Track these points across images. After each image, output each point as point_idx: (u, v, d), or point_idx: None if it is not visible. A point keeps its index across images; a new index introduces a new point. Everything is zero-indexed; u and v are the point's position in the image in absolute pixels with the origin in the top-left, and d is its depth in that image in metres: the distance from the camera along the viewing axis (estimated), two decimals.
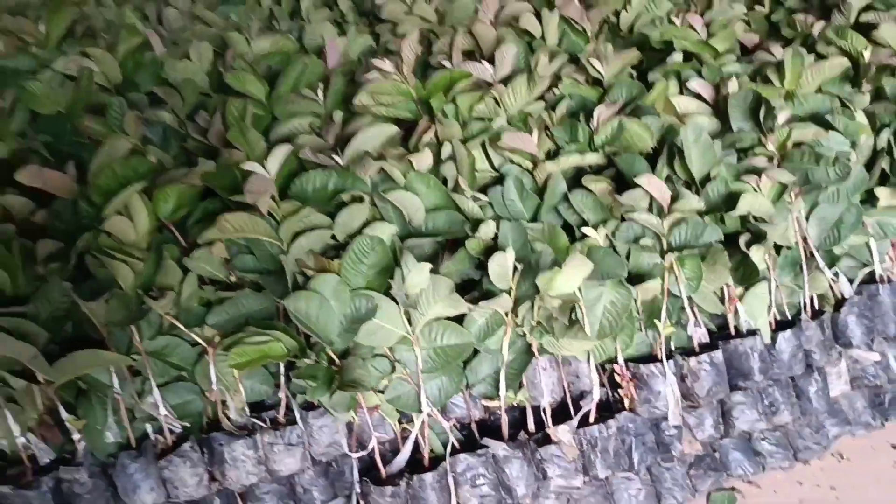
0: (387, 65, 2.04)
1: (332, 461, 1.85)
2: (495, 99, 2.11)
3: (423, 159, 1.83)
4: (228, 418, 1.79)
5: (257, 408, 1.85)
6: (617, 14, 2.73)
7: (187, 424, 1.80)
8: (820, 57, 2.26)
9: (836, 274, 2.09)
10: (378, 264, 1.72)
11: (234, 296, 1.72)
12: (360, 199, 1.79)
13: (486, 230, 1.75)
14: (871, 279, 2.13)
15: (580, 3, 2.71)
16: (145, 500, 1.72)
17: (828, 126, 2.02)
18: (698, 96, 2.13)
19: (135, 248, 1.67)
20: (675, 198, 1.81)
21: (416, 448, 1.82)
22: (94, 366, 1.64)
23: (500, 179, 1.95)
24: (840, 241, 2.03)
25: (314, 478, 1.84)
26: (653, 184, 1.77)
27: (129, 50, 2.48)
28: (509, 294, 1.73)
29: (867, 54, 2.21)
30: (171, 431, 1.78)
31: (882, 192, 2.07)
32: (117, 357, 1.63)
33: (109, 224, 1.62)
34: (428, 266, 1.68)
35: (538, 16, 2.52)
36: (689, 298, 1.92)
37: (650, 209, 1.83)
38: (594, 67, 2.20)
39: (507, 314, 1.76)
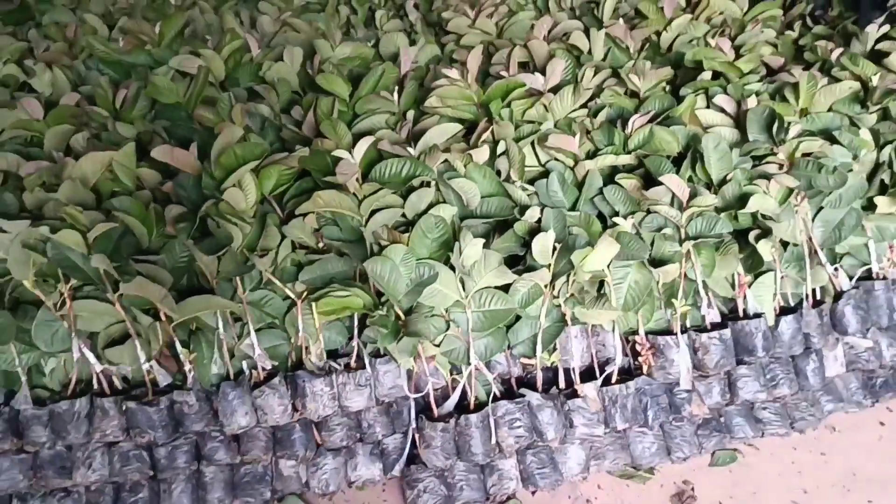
0: (454, 73, 2.40)
1: (394, 402, 2.20)
2: (545, 106, 2.46)
3: (481, 154, 2.18)
4: (310, 361, 2.17)
5: (333, 355, 2.22)
6: (658, 34, 3.06)
7: (276, 364, 2.17)
8: (834, 80, 2.55)
9: (836, 270, 2.38)
10: (440, 239, 2.08)
11: (321, 258, 2.09)
12: (428, 185, 2.14)
13: (532, 214, 2.09)
14: (869, 276, 2.42)
15: (625, 24, 3.05)
16: (240, 422, 2.10)
17: (833, 140, 2.33)
18: (722, 110, 2.45)
19: (245, 215, 2.05)
20: (693, 195, 2.13)
21: (464, 395, 2.18)
22: (207, 309, 2.02)
23: (545, 174, 2.28)
24: (840, 241, 2.33)
25: (377, 415, 2.20)
26: (674, 182, 2.09)
27: (231, 51, 2.88)
28: (548, 269, 2.07)
29: (875, 79, 2.50)
30: (263, 369, 2.16)
31: (881, 201, 2.36)
32: (225, 302, 2.01)
33: (228, 194, 2.00)
34: (481, 242, 2.03)
35: (587, 33, 2.84)
36: (704, 283, 2.24)
37: (672, 204, 2.15)
38: (632, 82, 2.53)
39: (545, 286, 2.10)
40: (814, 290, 2.38)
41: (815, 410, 2.35)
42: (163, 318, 2.03)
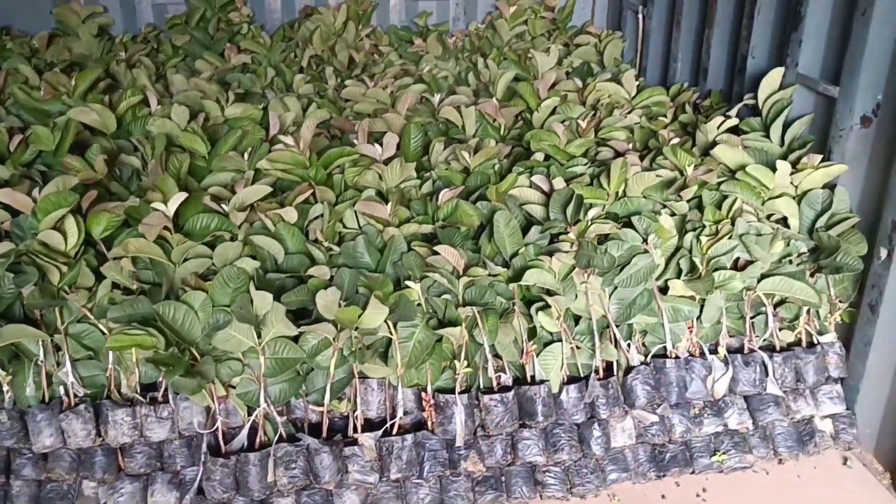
0: (289, 140, 2.64)
1: (194, 436, 2.39)
2: (379, 174, 2.68)
3: (289, 213, 2.40)
4: (119, 392, 2.38)
5: (151, 388, 2.43)
6: (531, 112, 3.28)
7: (88, 392, 2.38)
8: (658, 168, 2.73)
9: (628, 345, 2.52)
10: (240, 289, 2.29)
11: (130, 299, 2.31)
12: (234, 238, 2.37)
13: (321, 272, 2.30)
14: (665, 354, 2.55)
15: (498, 102, 3.28)
16: (46, 442, 2.31)
17: (629, 225, 2.50)
18: (540, 189, 2.63)
19: (64, 255, 2.29)
20: (468, 266, 2.31)
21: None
22: (19, 337, 2.25)
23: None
24: (631, 318, 2.48)
25: (178, 447, 2.39)
26: (449, 253, 2.28)
27: (129, 105, 3.17)
28: (334, 324, 2.27)
29: (689, 170, 2.67)
30: (76, 395, 2.37)
31: (674, 284, 2.51)
32: (35, 332, 2.24)
33: (44, 235, 2.25)
34: (269, 295, 2.24)
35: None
36: (492, 346, 2.40)
37: (453, 272, 2.33)
38: (464, 157, 2.74)
39: (333, 339, 2.29)
40: (609, 364, 2.52)
41: (596, 478, 2.47)
42: None
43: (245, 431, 2.33)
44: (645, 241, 2.47)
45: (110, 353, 2.33)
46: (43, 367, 2.35)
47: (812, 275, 2.63)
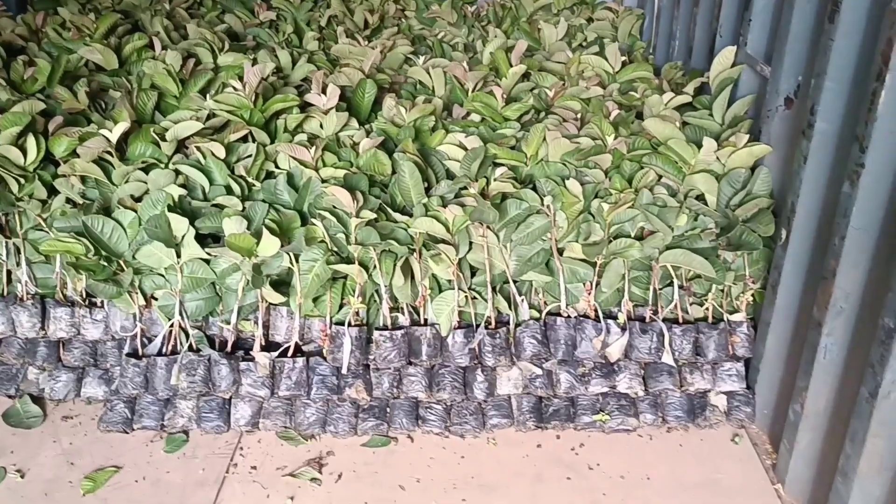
0: (237, 83, 2.88)
1: (123, 339, 2.71)
2: (321, 123, 2.89)
3: (217, 148, 2.65)
4: (64, 295, 2.72)
5: None
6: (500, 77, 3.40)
7: (40, 291, 2.73)
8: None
9: (522, 300, 2.64)
10: (164, 211, 2.57)
11: (73, 212, 2.64)
12: (166, 166, 2.65)
13: (231, 202, 2.54)
14: (559, 313, 2.66)
15: (468, 65, 3.41)
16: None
17: (532, 186, 2.61)
18: (461, 146, 2.77)
19: (22, 169, 2.63)
20: (360, 209, 2.49)
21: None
22: None
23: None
24: (524, 274, 2.60)
25: (110, 348, 2.72)
26: (341, 194, 2.47)
27: (134, 48, 3.51)
28: (240, 251, 2.51)
29: (609, 139, 2.73)
30: (29, 293, 2.73)
31: (572, 246, 2.60)
32: None
33: (3, 149, 2.59)
34: (185, 219, 2.50)
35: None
36: (389, 287, 2.58)
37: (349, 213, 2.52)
38: (400, 114, 2.90)
39: (241, 264, 2.54)
40: (503, 315, 2.65)
41: (475, 420, 2.61)
42: None
43: (160, 339, 2.62)
44: (543, 202, 2.57)
45: (58, 257, 2.66)
46: (4, 266, 2.71)
47: (726, 252, 2.65)
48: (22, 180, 2.64)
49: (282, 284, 2.59)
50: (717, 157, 2.69)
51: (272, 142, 2.84)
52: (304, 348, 2.65)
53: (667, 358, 2.64)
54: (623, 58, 3.64)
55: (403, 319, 2.63)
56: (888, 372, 1.86)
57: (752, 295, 2.70)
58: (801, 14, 2.45)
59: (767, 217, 2.59)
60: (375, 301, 2.64)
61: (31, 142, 2.65)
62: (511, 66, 3.41)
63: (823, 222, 2.29)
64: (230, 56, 3.51)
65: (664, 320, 2.67)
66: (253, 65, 3.22)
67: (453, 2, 4.62)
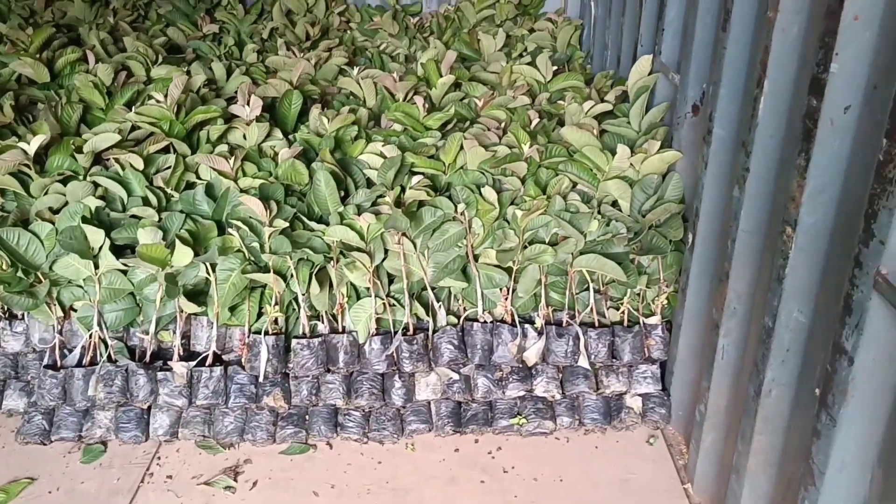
0: (159, 95, 2.91)
1: (43, 350, 2.71)
2: (244, 134, 2.92)
3: (135, 160, 2.67)
4: None
5: None
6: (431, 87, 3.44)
7: None
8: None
9: (440, 306, 2.67)
10: (80, 224, 2.58)
11: None
12: (84, 178, 2.66)
13: (146, 213, 2.56)
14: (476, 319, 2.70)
15: (398, 76, 3.46)
16: None
17: (448, 194, 2.65)
18: (381, 155, 2.81)
19: None
20: (277, 217, 2.52)
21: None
22: None
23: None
24: (440, 280, 2.63)
25: (31, 360, 2.72)
26: (253, 203, 2.49)
27: (67, 62, 3.53)
28: (153, 262, 2.53)
29: (525, 147, 2.78)
30: None
31: (487, 252, 2.64)
32: None
33: None
34: (101, 231, 2.52)
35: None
36: (306, 295, 2.61)
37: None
38: (322, 123, 2.94)
39: (156, 273, 2.56)
40: (423, 322, 2.68)
41: (393, 426, 2.64)
42: None
43: (78, 350, 2.63)
44: (458, 210, 2.61)
45: None
46: None
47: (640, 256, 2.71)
48: None
49: (200, 294, 2.61)
50: (631, 164, 2.75)
51: (194, 153, 2.86)
52: (225, 357, 2.67)
53: (583, 361, 2.68)
54: (555, 67, 3.70)
55: (323, 327, 2.66)
56: (769, 370, 1.91)
57: (667, 298, 2.75)
58: (703, 24, 2.51)
59: (677, 221, 2.64)
60: (294, 310, 2.67)
61: None
62: (441, 75, 3.46)
63: (721, 225, 2.34)
64: (163, 69, 3.53)
65: (582, 324, 2.71)
66: (188, 77, 3.26)
67: (396, 13, 4.67)
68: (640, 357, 2.71)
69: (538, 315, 2.71)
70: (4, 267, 2.55)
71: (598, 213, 2.68)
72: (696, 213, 2.45)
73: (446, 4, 4.95)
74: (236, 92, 3.48)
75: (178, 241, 2.45)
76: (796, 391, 1.87)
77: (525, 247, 2.63)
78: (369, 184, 2.80)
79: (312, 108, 3.13)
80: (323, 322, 2.67)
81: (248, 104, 2.96)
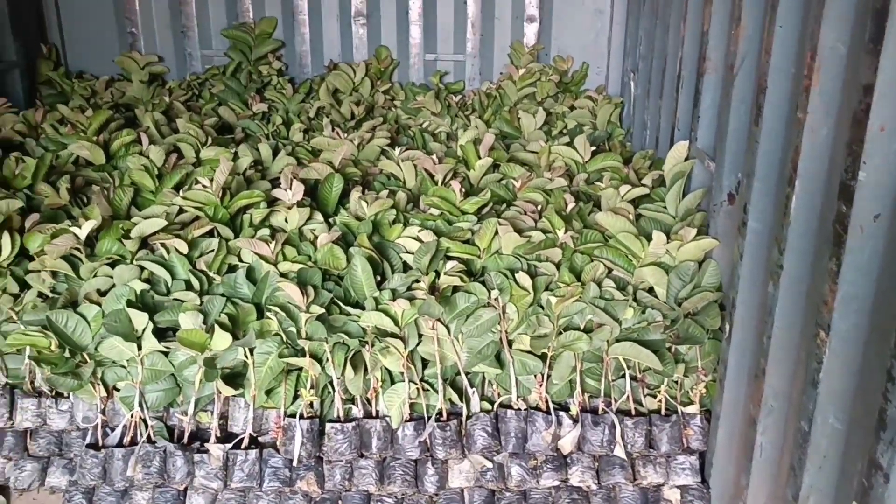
0: (205, 180, 3.02)
1: (87, 429, 2.78)
2: (286, 218, 3.01)
3: (180, 244, 2.76)
4: (32, 384, 2.81)
5: None
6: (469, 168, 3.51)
7: (10, 381, 2.83)
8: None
9: (473, 391, 2.67)
10: (126, 307, 2.67)
11: (43, 306, 2.75)
12: (131, 261, 2.76)
13: (188, 297, 2.63)
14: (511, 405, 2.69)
15: (437, 158, 3.53)
16: None
17: (482, 280, 2.68)
18: (418, 240, 2.86)
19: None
20: (315, 303, 2.57)
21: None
22: None
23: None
24: (475, 365, 2.64)
25: (75, 437, 2.79)
26: (291, 289, 2.55)
27: (121, 143, 3.69)
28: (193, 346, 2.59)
29: (560, 233, 2.81)
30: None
31: (521, 338, 2.65)
32: None
33: None
34: (144, 314, 2.60)
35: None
36: (341, 380, 2.64)
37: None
38: (361, 207, 3.01)
39: (196, 356, 2.62)
40: (456, 407, 2.68)
41: None
42: None
43: (119, 429, 2.69)
44: (491, 295, 2.63)
45: (27, 349, 2.76)
46: None
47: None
48: None
49: (238, 376, 2.65)
50: (667, 251, 2.74)
51: (237, 236, 2.94)
52: (261, 439, 2.70)
53: (619, 451, 2.64)
54: (593, 147, 3.74)
55: (357, 411, 2.68)
56: (806, 475, 1.86)
57: (705, 387, 2.70)
58: (737, 114, 2.53)
59: (714, 310, 2.62)
60: (329, 393, 2.69)
61: (5, 239, 2.79)
62: (479, 157, 3.53)
63: (758, 319, 2.31)
64: (212, 150, 3.67)
65: (618, 412, 2.68)
66: (234, 159, 3.38)
67: (438, 92, 4.79)
68: (679, 447, 2.66)
69: (573, 402, 2.69)
70: (53, 348, 2.63)
71: (634, 299, 2.67)
72: (733, 303, 2.43)
73: (488, 82, 5.06)
74: (281, 172, 3.60)
75: (217, 327, 2.51)
76: (835, 500, 1.82)
77: (559, 333, 2.63)
78: (406, 267, 2.84)
79: (353, 191, 3.21)
80: (357, 406, 2.68)
81: (290, 188, 3.04)
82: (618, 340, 2.63)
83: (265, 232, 2.94)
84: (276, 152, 3.78)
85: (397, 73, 5.13)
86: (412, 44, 5.09)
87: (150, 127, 3.98)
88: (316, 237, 2.91)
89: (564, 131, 4.44)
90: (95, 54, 5.18)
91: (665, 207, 3.00)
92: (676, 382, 2.72)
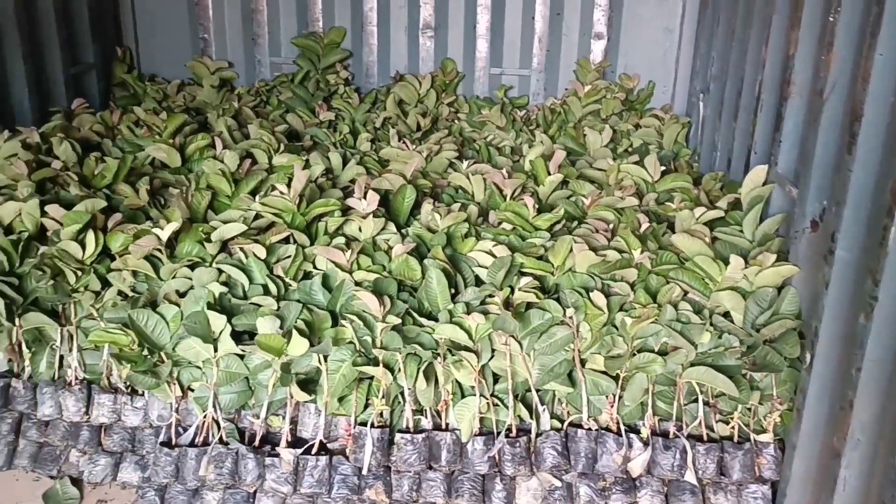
0: (282, 186, 3.06)
1: (160, 427, 2.83)
2: (359, 227, 3.04)
3: (258, 249, 2.81)
4: (109, 381, 2.87)
5: None
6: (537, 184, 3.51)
7: (87, 377, 2.89)
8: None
9: (543, 409, 2.66)
10: (203, 308, 2.71)
11: (122, 304, 2.81)
12: (210, 264, 2.81)
13: (266, 301, 2.67)
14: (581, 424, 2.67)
15: (507, 173, 3.54)
16: (46, 411, 2.84)
17: (556, 297, 2.67)
18: (490, 254, 2.86)
19: (80, 262, 2.83)
20: (390, 313, 2.59)
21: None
22: (38, 324, 2.81)
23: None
24: (546, 383, 2.63)
25: (148, 434, 2.84)
26: (368, 298, 2.57)
27: (196, 147, 3.77)
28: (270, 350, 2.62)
29: (636, 254, 2.79)
30: (77, 378, 2.89)
31: (594, 358, 2.63)
32: (49, 321, 2.79)
33: (63, 244, 2.80)
34: (222, 316, 2.64)
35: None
36: (412, 390, 2.65)
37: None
38: (435, 220, 3.03)
39: (272, 361, 2.65)
40: (525, 423, 2.68)
41: None
42: (17, 322, 2.86)
43: (192, 429, 2.73)
44: (565, 314, 2.62)
45: (105, 345, 2.83)
46: (57, 351, 2.89)
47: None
48: (79, 273, 2.84)
49: (310, 382, 2.68)
50: (745, 275, 2.71)
51: (312, 243, 2.98)
52: (330, 445, 2.71)
53: (689, 476, 2.61)
54: (662, 167, 3.72)
55: (426, 422, 2.69)
56: None
57: (780, 416, 2.66)
58: (825, 141, 2.49)
59: (793, 338, 2.58)
60: (399, 403, 2.70)
61: (89, 237, 2.86)
62: (549, 174, 3.52)
63: (844, 350, 2.27)
64: (284, 157, 3.72)
65: (688, 436, 2.65)
66: (304, 167, 3.43)
67: (503, 106, 4.80)
68: (751, 476, 2.62)
69: (644, 424, 2.67)
70: (133, 346, 2.69)
71: (710, 324, 2.64)
72: (816, 332, 2.38)
73: (552, 98, 5.06)
74: (350, 181, 3.64)
75: (294, 332, 2.54)
76: None
77: (633, 354, 2.61)
78: (478, 281, 2.84)
79: (424, 204, 3.23)
80: (426, 417, 2.69)
81: (364, 198, 3.07)
82: (692, 364, 2.60)
83: (340, 240, 2.97)
84: (345, 161, 3.82)
85: (462, 86, 5.16)
86: (478, 57, 5.11)
87: (223, 132, 4.05)
88: (390, 247, 2.93)
89: (630, 149, 4.41)
90: (167, 58, 5.30)
91: (741, 231, 2.97)
92: (749, 409, 2.68)
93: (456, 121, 4.87)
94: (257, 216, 3.08)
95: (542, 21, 5.00)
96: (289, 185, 3.09)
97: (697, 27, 4.71)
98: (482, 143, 4.32)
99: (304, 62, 5.13)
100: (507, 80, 5.13)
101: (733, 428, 2.69)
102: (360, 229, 3.04)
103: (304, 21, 5.18)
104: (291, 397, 2.68)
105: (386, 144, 4.27)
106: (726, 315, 2.71)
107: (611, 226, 3.16)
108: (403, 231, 3.10)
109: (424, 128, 4.60)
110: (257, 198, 3.20)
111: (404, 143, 4.05)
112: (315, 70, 5.12)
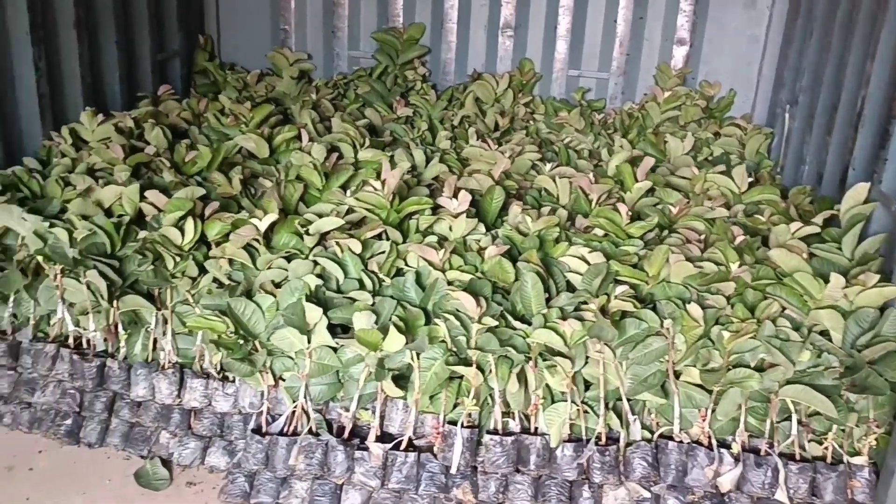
0: (377, 183, 3.08)
1: (249, 415, 2.87)
2: (450, 226, 3.05)
3: (354, 244, 2.83)
4: (201, 367, 2.93)
5: None
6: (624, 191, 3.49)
7: (180, 361, 2.95)
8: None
9: (635, 419, 2.65)
10: (301, 299, 2.75)
11: (219, 291, 2.86)
12: (307, 257, 2.84)
13: (362, 296, 2.70)
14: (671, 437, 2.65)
15: (593, 177, 3.52)
16: (139, 392, 2.91)
17: (652, 307, 2.65)
18: (583, 259, 2.85)
19: (179, 248, 2.89)
20: (486, 315, 2.60)
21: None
22: (136, 306, 2.88)
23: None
24: (639, 393, 2.62)
25: (237, 421, 2.89)
26: (465, 299, 2.58)
27: (284, 139, 3.82)
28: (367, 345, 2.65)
29: (733, 266, 2.76)
30: (170, 361, 2.95)
31: (689, 370, 2.61)
32: (147, 304, 2.85)
33: (164, 230, 2.86)
34: (319, 309, 2.67)
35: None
36: (502, 392, 2.65)
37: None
38: (525, 223, 3.03)
39: (366, 355, 2.68)
40: (614, 432, 2.67)
41: None
42: (115, 304, 2.93)
43: (283, 419, 2.77)
44: (662, 324, 2.60)
45: (199, 335, 2.88)
46: (152, 334, 2.95)
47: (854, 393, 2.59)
48: (178, 258, 2.89)
49: (401, 378, 2.70)
50: (845, 294, 2.66)
51: (404, 240, 3.00)
52: (416, 443, 2.73)
53: (780, 495, 2.57)
54: (749, 178, 3.67)
55: (514, 425, 2.69)
56: None
57: (876, 439, 2.61)
58: None
59: (895, 361, 2.53)
60: (488, 404, 2.71)
61: (189, 224, 2.92)
62: (636, 180, 3.50)
63: None
64: (369, 152, 3.75)
65: (780, 455, 2.61)
66: (391, 164, 3.45)
67: (582, 109, 4.78)
68: (844, 499, 2.58)
69: (735, 440, 2.64)
70: (229, 334, 2.73)
71: (809, 342, 2.60)
72: None
73: (630, 102, 5.02)
74: (434, 179, 3.66)
75: (392, 328, 2.56)
76: None
77: (729, 369, 2.58)
78: (569, 286, 2.84)
79: (512, 205, 3.23)
80: (515, 420, 2.69)
81: (454, 197, 3.08)
82: (789, 382, 2.56)
83: (432, 238, 2.98)
84: (427, 159, 3.84)
85: (538, 87, 5.14)
86: (557, 58, 5.09)
87: (307, 124, 4.09)
88: (481, 248, 2.94)
89: (710, 158, 4.36)
90: (248, 48, 5.36)
91: (839, 248, 2.91)
92: (844, 431, 2.64)
93: (532, 121, 4.86)
94: (349, 210, 3.10)
95: (624, 24, 4.96)
96: (381, 182, 3.11)
97: (784, 37, 4.62)
98: (561, 146, 4.30)
99: (382, 57, 5.16)
100: (584, 83, 5.11)
101: (826, 448, 2.64)
102: (450, 228, 3.05)
103: (384, 16, 5.21)
104: (382, 392, 2.71)
105: (465, 143, 4.28)
106: (823, 333, 2.67)
107: (702, 236, 3.12)
108: (493, 233, 3.10)
109: (503, 128, 4.60)
110: (348, 192, 3.23)
111: (485, 142, 4.05)
112: (393, 65, 5.14)
